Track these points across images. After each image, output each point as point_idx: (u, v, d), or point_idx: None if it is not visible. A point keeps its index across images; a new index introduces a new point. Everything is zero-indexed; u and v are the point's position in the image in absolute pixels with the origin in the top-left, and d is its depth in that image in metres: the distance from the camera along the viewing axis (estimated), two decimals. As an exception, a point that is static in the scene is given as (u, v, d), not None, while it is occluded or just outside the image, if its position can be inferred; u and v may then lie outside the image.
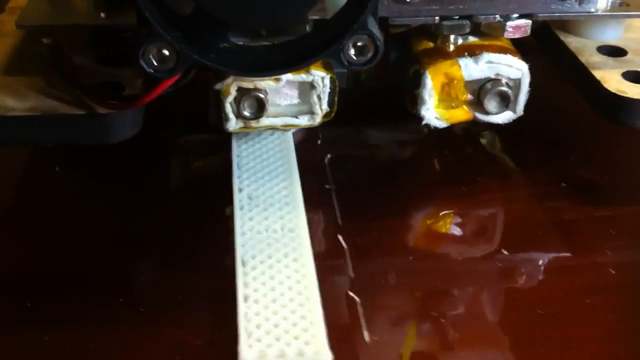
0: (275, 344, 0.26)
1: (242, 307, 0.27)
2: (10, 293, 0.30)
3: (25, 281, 0.31)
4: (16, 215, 0.34)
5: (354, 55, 0.28)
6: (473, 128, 0.39)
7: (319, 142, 0.38)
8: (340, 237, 0.33)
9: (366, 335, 0.28)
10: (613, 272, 0.32)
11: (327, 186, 0.36)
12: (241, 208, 0.31)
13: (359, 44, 0.28)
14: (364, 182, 0.36)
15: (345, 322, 0.29)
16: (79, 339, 0.28)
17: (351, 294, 0.30)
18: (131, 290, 0.30)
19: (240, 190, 0.32)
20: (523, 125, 0.34)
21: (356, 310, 0.29)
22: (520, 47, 0.34)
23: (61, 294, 0.30)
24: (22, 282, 0.31)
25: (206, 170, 0.38)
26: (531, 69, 0.33)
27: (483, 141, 0.39)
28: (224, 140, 0.35)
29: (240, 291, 0.28)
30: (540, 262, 0.32)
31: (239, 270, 0.28)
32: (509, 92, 0.33)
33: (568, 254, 0.32)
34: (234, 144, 0.34)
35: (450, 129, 0.35)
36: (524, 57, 0.34)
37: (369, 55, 0.28)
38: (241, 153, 0.34)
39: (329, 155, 0.38)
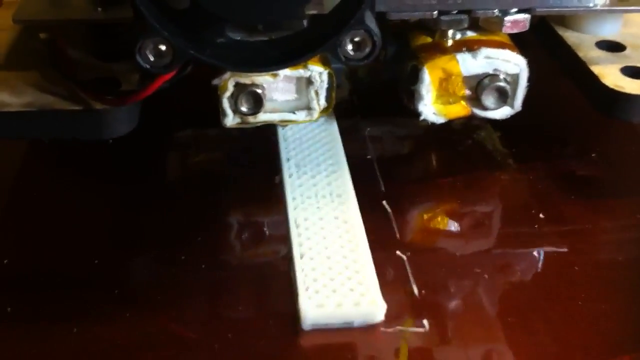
0: (332, 295, 0.28)
1: (298, 264, 0.29)
2: (7, 290, 0.30)
3: (23, 278, 0.31)
4: (12, 212, 0.34)
5: (351, 50, 0.28)
6: (471, 123, 0.39)
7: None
8: (384, 203, 0.34)
9: (415, 289, 0.30)
10: (610, 266, 0.32)
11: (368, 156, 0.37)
12: (290, 176, 0.34)
13: (356, 39, 0.28)
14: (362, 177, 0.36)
15: (395, 277, 0.30)
16: (76, 335, 0.28)
17: (398, 252, 0.31)
18: (128, 285, 0.30)
19: (288, 159, 0.35)
20: (520, 120, 0.34)
21: (405, 268, 0.31)
22: (518, 42, 0.34)
23: (59, 290, 0.30)
24: (19, 279, 0.31)
25: (204, 166, 0.38)
26: (529, 64, 0.33)
27: (480, 136, 0.39)
28: (222, 134, 0.35)
29: (296, 250, 0.30)
30: (537, 256, 0.32)
31: (293, 231, 0.31)
32: (507, 87, 0.33)
33: (565, 249, 0.32)
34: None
35: (448, 125, 0.35)
36: (522, 52, 0.33)
37: (367, 50, 0.28)
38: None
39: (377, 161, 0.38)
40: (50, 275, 0.31)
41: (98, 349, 0.28)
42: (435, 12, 0.32)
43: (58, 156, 0.37)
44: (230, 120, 0.33)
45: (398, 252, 0.31)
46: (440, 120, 0.34)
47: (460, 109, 0.34)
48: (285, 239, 0.31)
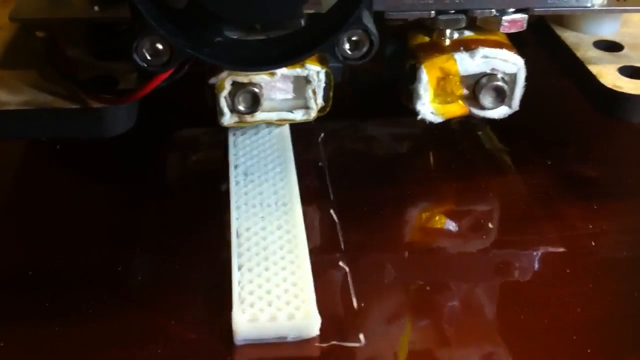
0: (267, 308, 0.27)
1: (235, 275, 0.29)
2: (6, 289, 0.30)
3: (22, 277, 0.31)
4: (11, 211, 0.34)
5: (349, 49, 0.28)
6: (469, 123, 0.39)
7: (319, 137, 0.38)
8: (332, 212, 0.34)
9: (354, 302, 0.29)
10: (609, 267, 0.32)
11: (320, 164, 0.37)
12: (237, 183, 0.33)
13: (353, 38, 0.27)
14: (359, 176, 0.36)
15: (335, 290, 0.30)
16: (75, 333, 0.28)
17: (341, 264, 0.31)
18: (127, 285, 0.30)
19: (236, 166, 0.34)
20: (519, 120, 0.34)
21: (346, 280, 0.30)
22: (516, 42, 0.34)
23: (57, 289, 0.30)
24: (19, 278, 0.31)
25: (202, 165, 0.38)
26: (527, 64, 0.33)
27: (479, 136, 0.39)
28: (220, 133, 0.35)
29: (235, 261, 0.29)
30: (536, 256, 0.32)
31: (234, 241, 0.30)
32: (505, 86, 0.33)
33: (563, 249, 0.32)
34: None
35: (446, 124, 0.35)
36: (520, 51, 0.33)
37: (364, 49, 0.28)
38: (237, 131, 0.36)
39: (325, 150, 0.38)
40: (49, 273, 0.31)
41: (97, 346, 0.28)
42: (433, 12, 0.32)
43: (57, 155, 0.37)
44: (228, 119, 0.33)
45: (341, 263, 0.31)
46: (438, 119, 0.34)
47: (458, 109, 0.34)
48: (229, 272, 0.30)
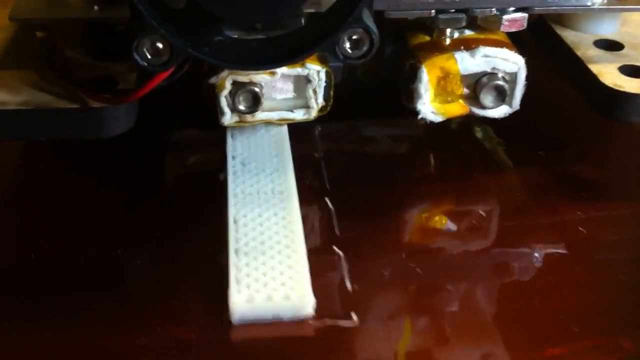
0: (262, 289, 0.28)
1: (232, 259, 0.29)
2: (5, 288, 0.30)
3: (20, 278, 0.31)
4: (10, 211, 0.34)
5: (349, 48, 0.28)
6: (469, 123, 0.39)
7: (317, 136, 0.38)
8: (327, 200, 0.34)
9: (348, 285, 0.30)
10: (606, 267, 0.32)
11: (317, 162, 0.37)
12: (234, 173, 0.34)
13: (354, 37, 0.27)
14: (357, 176, 0.36)
15: (329, 273, 0.30)
16: (73, 334, 0.28)
17: (335, 248, 0.32)
18: (125, 286, 0.30)
19: (233, 157, 0.34)
20: (519, 121, 0.34)
21: (340, 264, 0.31)
22: (516, 41, 0.34)
23: (55, 290, 0.30)
24: (16, 279, 0.31)
25: (201, 166, 0.38)
26: (528, 63, 0.33)
27: (478, 136, 0.39)
28: (219, 133, 0.36)
29: (232, 245, 0.30)
30: (535, 257, 0.32)
31: (231, 227, 0.31)
32: (505, 86, 0.33)
33: (562, 249, 0.32)
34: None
35: (446, 124, 0.35)
36: (521, 51, 0.33)
37: (364, 48, 0.28)
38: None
39: (322, 150, 0.38)
40: (48, 273, 0.31)
41: (96, 347, 0.28)
42: (433, 11, 0.32)
43: (56, 155, 0.37)
44: (228, 119, 0.33)
45: (335, 248, 0.32)
46: (438, 119, 0.34)
47: (458, 108, 0.34)
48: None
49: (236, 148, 0.35)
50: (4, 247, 0.32)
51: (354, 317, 0.29)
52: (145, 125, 0.32)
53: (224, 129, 0.35)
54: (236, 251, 0.30)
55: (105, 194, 0.35)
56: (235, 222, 0.31)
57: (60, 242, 0.32)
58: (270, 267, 0.29)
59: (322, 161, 0.37)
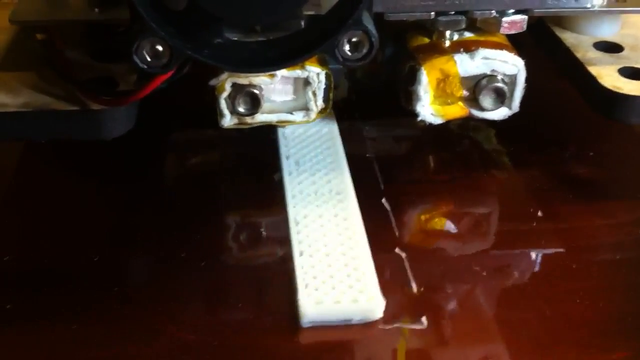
0: (331, 292, 0.28)
1: (298, 261, 0.29)
2: (5, 288, 0.30)
3: (20, 278, 0.31)
4: (10, 211, 0.34)
5: (349, 51, 0.28)
6: (468, 124, 0.39)
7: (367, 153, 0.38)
8: (384, 201, 0.34)
9: (414, 287, 0.30)
10: (607, 268, 0.32)
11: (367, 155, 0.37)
12: (290, 173, 0.34)
13: (353, 39, 0.27)
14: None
15: (394, 275, 0.30)
16: (73, 334, 0.28)
17: (397, 250, 0.32)
18: (125, 287, 0.30)
19: (287, 157, 0.35)
20: (518, 122, 0.34)
21: (403, 265, 0.31)
22: (516, 43, 0.34)
23: (57, 288, 0.30)
24: (16, 279, 0.31)
25: (201, 167, 0.38)
26: (527, 65, 0.33)
27: (478, 137, 0.39)
28: (221, 134, 0.36)
29: (296, 247, 0.30)
30: (535, 257, 0.32)
31: (293, 229, 0.31)
32: (505, 88, 0.33)
33: (562, 250, 0.32)
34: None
35: (446, 125, 0.35)
36: (520, 52, 0.33)
37: (364, 51, 0.28)
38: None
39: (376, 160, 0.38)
40: (49, 273, 0.31)
41: (96, 347, 0.28)
42: (433, 13, 0.32)
43: (56, 155, 0.37)
44: (228, 121, 0.33)
45: (397, 250, 0.32)
46: (438, 120, 0.34)
47: (458, 110, 0.34)
48: (285, 237, 0.31)
49: (289, 147, 0.35)
50: (4, 247, 0.32)
51: (424, 320, 0.29)
52: (145, 125, 0.32)
53: (224, 130, 0.35)
54: (300, 253, 0.30)
55: (105, 194, 0.35)
56: (296, 223, 0.31)
57: (60, 242, 0.32)
58: (336, 270, 0.29)
59: (374, 162, 0.37)
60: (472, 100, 0.34)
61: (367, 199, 0.33)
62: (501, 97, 0.33)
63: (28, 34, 0.33)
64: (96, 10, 0.32)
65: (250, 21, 0.30)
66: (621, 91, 0.32)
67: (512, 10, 0.32)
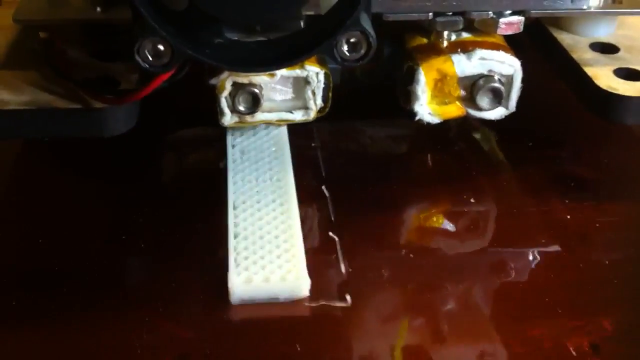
0: (260, 272, 0.29)
1: (231, 242, 0.31)
2: (6, 287, 0.30)
3: (19, 277, 0.31)
4: (9, 210, 0.34)
5: (347, 51, 0.28)
6: (466, 124, 0.39)
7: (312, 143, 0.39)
8: (324, 188, 0.35)
9: (342, 268, 0.31)
10: (603, 266, 0.32)
11: (315, 161, 0.37)
12: (234, 161, 0.35)
13: (351, 40, 0.28)
14: (355, 176, 0.37)
15: (325, 256, 0.32)
16: (73, 334, 0.28)
17: (331, 234, 0.33)
18: (124, 285, 0.31)
19: (233, 146, 0.36)
20: (515, 122, 0.35)
21: (335, 248, 0.32)
22: (513, 44, 0.34)
23: (57, 287, 0.30)
24: (16, 279, 0.31)
25: (199, 165, 0.38)
26: (526, 66, 0.33)
27: (476, 138, 0.39)
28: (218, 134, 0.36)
29: (231, 230, 0.31)
30: (531, 256, 0.32)
31: (230, 213, 0.32)
32: (502, 88, 0.34)
33: (558, 248, 0.32)
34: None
35: (443, 126, 0.35)
36: (518, 53, 0.34)
37: (362, 51, 0.28)
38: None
39: (321, 150, 0.38)
40: (49, 272, 0.31)
41: (96, 345, 0.28)
42: (431, 14, 0.32)
43: (56, 155, 0.37)
44: (228, 119, 0.33)
45: (330, 234, 0.32)
46: (435, 120, 0.34)
47: (455, 110, 0.34)
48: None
49: (236, 137, 0.36)
50: (4, 247, 0.32)
51: (348, 298, 0.29)
52: (144, 124, 0.32)
53: (222, 128, 0.36)
54: (235, 235, 0.31)
55: (104, 193, 0.35)
56: (234, 207, 0.32)
57: (60, 241, 0.32)
58: (267, 251, 0.30)
59: (322, 170, 0.37)
60: (469, 100, 0.34)
61: (308, 187, 0.35)
62: (498, 97, 0.34)
63: (31, 33, 0.34)
64: (98, 9, 0.32)
65: (249, 21, 0.31)
66: (616, 92, 0.33)
67: (509, 11, 0.33)
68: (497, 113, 0.34)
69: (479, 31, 0.34)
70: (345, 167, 0.37)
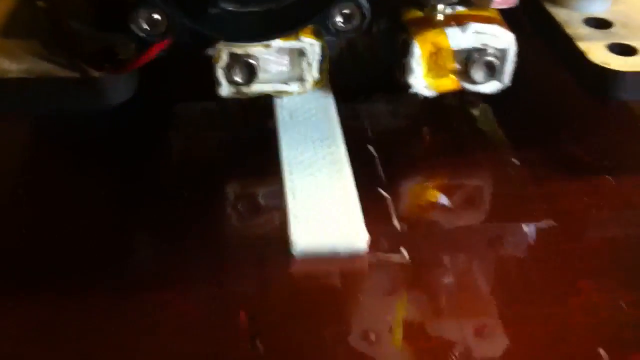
0: (320, 226, 0.30)
1: (290, 200, 0.32)
2: (4, 286, 0.30)
3: (21, 273, 0.30)
4: (10, 208, 0.34)
5: (341, 22, 0.28)
6: (465, 100, 0.39)
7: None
8: (370, 147, 0.36)
9: (396, 224, 0.32)
10: (600, 244, 0.32)
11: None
12: (283, 122, 0.36)
13: (345, 11, 0.28)
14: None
15: (379, 213, 0.33)
16: (74, 330, 0.28)
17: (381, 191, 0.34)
18: (126, 279, 0.30)
19: (282, 107, 0.36)
20: (514, 101, 0.35)
21: (386, 205, 0.33)
22: (515, 22, 0.34)
23: (61, 279, 0.30)
24: (17, 274, 0.30)
25: (204, 148, 0.38)
26: (523, 45, 0.34)
27: (474, 114, 0.39)
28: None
29: (288, 188, 0.32)
30: (528, 232, 0.32)
31: (285, 170, 0.33)
32: (496, 62, 0.34)
33: (554, 223, 0.33)
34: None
35: (442, 102, 0.36)
36: (517, 33, 0.34)
37: (356, 22, 0.28)
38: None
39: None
40: (52, 263, 0.31)
41: (96, 342, 0.28)
42: (426, -14, 0.33)
43: (56, 151, 0.37)
44: (225, 89, 0.33)
45: (381, 190, 0.33)
46: (431, 93, 0.35)
47: (450, 83, 0.35)
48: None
49: (282, 101, 0.37)
50: (5, 244, 0.32)
51: (404, 252, 0.31)
52: (144, 123, 0.32)
53: (223, 127, 0.36)
54: (292, 192, 0.32)
55: (105, 188, 0.35)
56: (289, 166, 0.33)
57: (61, 238, 0.32)
58: (325, 207, 0.31)
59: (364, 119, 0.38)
60: (464, 73, 0.34)
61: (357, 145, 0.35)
62: (492, 71, 0.34)
63: (30, 2, 0.34)
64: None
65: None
66: (609, 67, 0.33)
67: (504, -14, 0.33)
68: (492, 87, 0.35)
69: (475, 5, 0.34)
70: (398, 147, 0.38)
